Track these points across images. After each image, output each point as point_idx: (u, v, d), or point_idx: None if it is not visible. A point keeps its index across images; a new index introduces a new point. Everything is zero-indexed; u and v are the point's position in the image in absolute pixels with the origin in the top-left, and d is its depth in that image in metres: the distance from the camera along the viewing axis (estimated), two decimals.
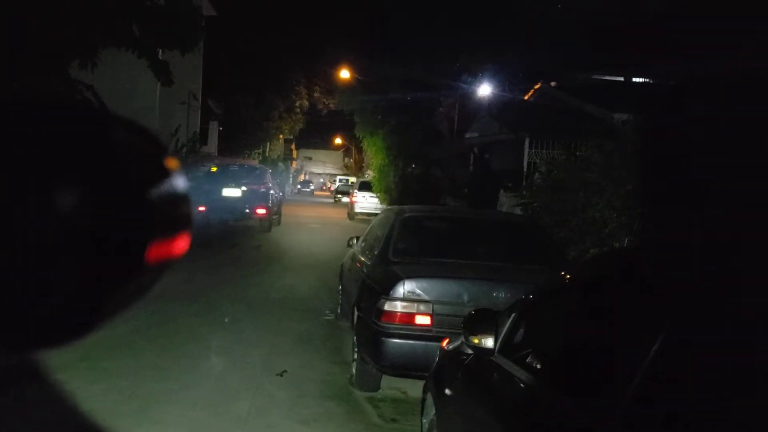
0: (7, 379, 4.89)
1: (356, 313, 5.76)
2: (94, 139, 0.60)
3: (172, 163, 0.65)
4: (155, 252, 0.63)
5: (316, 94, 34.19)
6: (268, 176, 19.11)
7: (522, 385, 2.74)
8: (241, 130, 29.83)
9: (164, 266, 0.67)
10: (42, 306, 0.59)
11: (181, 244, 0.68)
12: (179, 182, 0.65)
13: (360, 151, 54.62)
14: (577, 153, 8.47)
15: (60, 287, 0.59)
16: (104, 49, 11.39)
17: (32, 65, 9.32)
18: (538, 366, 2.75)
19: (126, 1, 11.24)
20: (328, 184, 62.86)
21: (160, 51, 12.29)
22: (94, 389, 4.92)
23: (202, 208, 17.12)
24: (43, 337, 0.62)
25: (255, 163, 23.30)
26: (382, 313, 4.99)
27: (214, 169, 18.11)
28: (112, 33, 11.14)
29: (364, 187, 26.94)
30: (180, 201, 0.66)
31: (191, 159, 17.90)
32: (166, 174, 0.64)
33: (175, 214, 0.66)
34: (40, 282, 0.57)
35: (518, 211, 9.70)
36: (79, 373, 5.27)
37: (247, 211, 17.38)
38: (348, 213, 26.67)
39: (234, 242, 15.18)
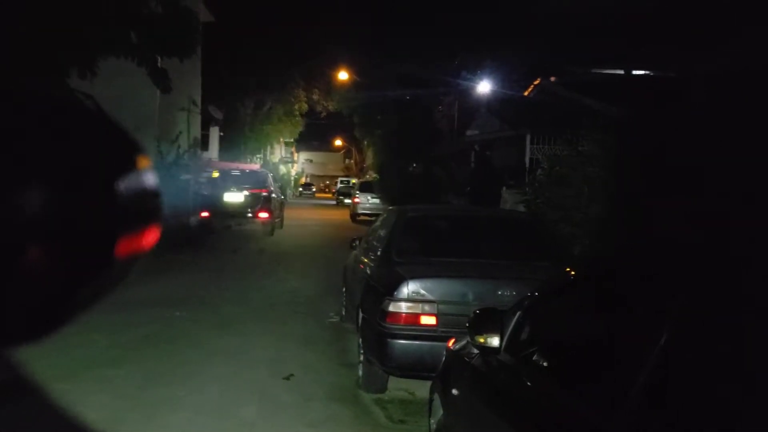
0: (5, 390, 4.87)
1: (361, 314, 5.74)
2: (62, 135, 0.60)
3: (142, 160, 0.66)
4: (123, 246, 0.63)
5: (314, 97, 34.16)
6: (270, 180, 19.11)
7: (529, 383, 2.73)
8: (241, 135, 29.84)
9: (133, 260, 0.66)
10: (10, 302, 0.59)
11: (150, 238, 0.68)
12: (148, 178, 0.66)
13: (360, 152, 54.68)
14: (579, 148, 8.45)
15: (26, 283, 0.59)
16: (103, 58, 11.41)
17: (29, 75, 9.32)
18: (545, 364, 2.73)
19: (123, 9, 11.24)
20: (331, 187, 62.89)
21: (159, 58, 12.29)
22: (99, 398, 4.91)
23: (205, 214, 17.14)
24: (14, 332, 0.61)
25: (256, 167, 23.29)
26: (386, 314, 4.97)
27: (216, 174, 18.11)
28: (110, 41, 11.15)
29: (366, 188, 26.90)
30: (147, 196, 0.66)
31: (193, 165, 17.89)
32: (133, 169, 0.64)
33: (142, 209, 0.66)
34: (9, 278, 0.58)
35: (521, 208, 9.68)
36: (83, 382, 5.26)
37: (250, 215, 17.38)
38: (350, 214, 26.64)
39: (237, 247, 15.17)
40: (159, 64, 12.27)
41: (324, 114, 36.88)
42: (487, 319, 2.99)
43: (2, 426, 4.21)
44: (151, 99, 16.97)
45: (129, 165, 0.64)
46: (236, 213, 17.50)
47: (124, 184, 0.62)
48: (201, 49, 15.94)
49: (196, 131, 20.74)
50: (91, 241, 0.60)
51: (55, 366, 5.65)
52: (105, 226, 0.61)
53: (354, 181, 41.72)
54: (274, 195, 18.52)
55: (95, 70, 11.14)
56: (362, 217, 24.44)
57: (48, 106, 0.63)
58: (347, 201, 32.52)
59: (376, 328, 5.07)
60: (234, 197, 17.35)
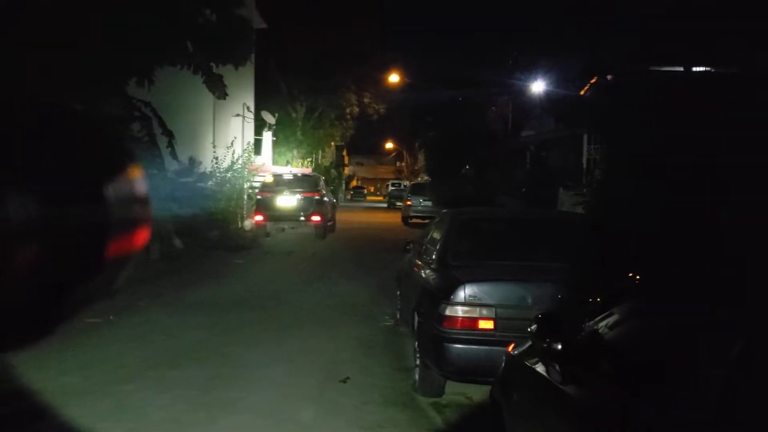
0: (72, 393, 5.04)
1: (416, 318, 5.70)
2: (49, 143, 0.63)
3: (133, 168, 0.69)
4: (114, 248, 0.65)
5: (366, 100, 34.30)
6: (322, 183, 19.28)
7: (593, 389, 2.64)
8: (294, 139, 30.20)
9: (124, 261, 0.68)
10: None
11: (139, 241, 0.71)
12: (137, 184, 0.68)
13: (411, 154, 54.66)
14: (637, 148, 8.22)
15: (19, 286, 0.61)
16: (159, 66, 11.72)
17: (90, 84, 9.65)
18: (612, 370, 2.64)
19: (180, 20, 11.52)
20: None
21: (214, 66, 12.55)
22: (162, 399, 5.01)
23: (259, 218, 17.42)
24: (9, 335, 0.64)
25: (308, 171, 23.53)
26: (443, 318, 4.92)
27: (269, 178, 18.38)
28: (166, 50, 11.45)
29: (418, 190, 26.83)
30: (136, 202, 0.68)
31: (247, 170, 18.22)
32: (121, 176, 0.66)
33: (130, 213, 0.68)
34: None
35: (579, 209, 9.46)
36: (147, 382, 5.38)
37: (302, 218, 17.57)
38: (402, 217, 26.63)
39: (290, 250, 15.35)
40: (214, 72, 12.53)
41: (375, 117, 36.99)
42: (550, 324, 2.92)
43: (73, 426, 4.35)
44: (207, 106, 17.36)
45: (117, 172, 0.67)
46: (289, 216, 17.71)
47: (111, 190, 0.64)
48: (254, 56, 16.20)
49: (250, 136, 21.10)
50: (80, 244, 0.62)
51: (119, 367, 5.81)
52: (93, 229, 0.63)
53: (405, 183, 41.75)
54: (326, 198, 18.66)
55: (152, 79, 11.46)
56: (414, 220, 24.39)
57: (37, 115, 0.66)
58: (399, 204, 32.54)
59: (433, 331, 5.03)
60: (287, 201, 17.58)
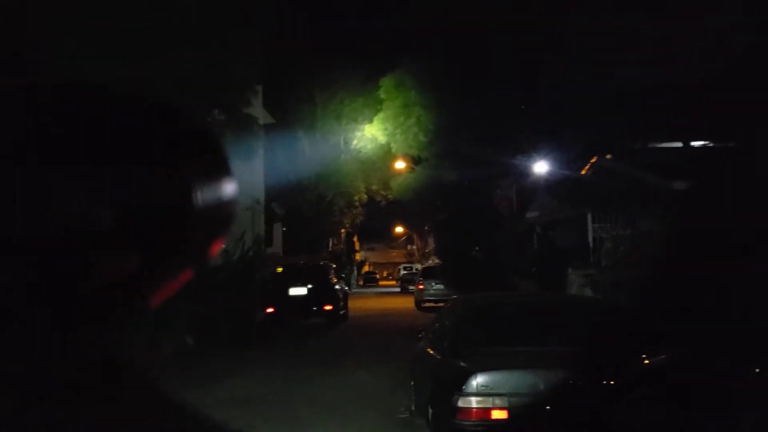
0: None
1: (431, 410, 5.64)
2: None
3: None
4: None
5: (373, 187, 34.91)
6: (332, 272, 19.37)
7: None
8: (303, 229, 30.55)
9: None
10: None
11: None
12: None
13: (422, 237, 54.93)
14: (640, 226, 8.31)
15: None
16: None
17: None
18: None
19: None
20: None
21: None
22: None
23: (270, 309, 17.41)
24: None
25: (319, 260, 23.71)
26: (457, 410, 4.88)
27: (280, 269, 18.50)
28: None
29: (429, 274, 26.78)
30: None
31: (258, 262, 18.37)
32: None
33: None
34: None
35: (588, 289, 9.47)
36: None
37: (315, 308, 17.55)
38: (415, 302, 26.45)
39: (303, 341, 15.25)
40: None
41: (384, 203, 37.49)
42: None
43: None
44: None
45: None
46: (301, 306, 17.70)
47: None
48: (262, 150, 16.69)
49: (260, 228, 21.40)
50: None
51: None
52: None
53: (417, 267, 41.70)
54: (337, 287, 18.70)
55: None
56: (428, 304, 24.19)
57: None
58: (411, 288, 32.41)
59: (448, 424, 4.97)
60: (298, 291, 17.62)
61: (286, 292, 17.59)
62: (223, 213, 0.80)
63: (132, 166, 0.71)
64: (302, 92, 29.39)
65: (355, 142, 32.17)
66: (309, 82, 29.22)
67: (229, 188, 0.81)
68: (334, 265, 22.36)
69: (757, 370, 2.20)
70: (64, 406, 0.69)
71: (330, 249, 37.19)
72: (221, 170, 0.81)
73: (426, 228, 45.74)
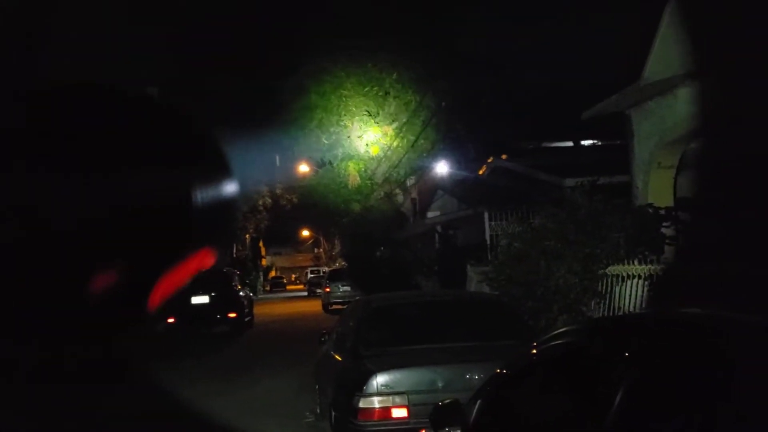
0: None
1: (333, 413, 5.67)
2: None
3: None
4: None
5: (278, 191, 34.52)
6: (236, 278, 19.01)
7: None
8: None
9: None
10: None
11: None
12: None
13: (328, 240, 54.84)
14: (532, 222, 8.69)
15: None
16: None
17: None
18: None
19: None
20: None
21: None
22: None
23: (171, 320, 16.83)
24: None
25: (222, 267, 23.20)
26: (358, 411, 4.93)
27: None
28: None
29: (336, 276, 26.82)
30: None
31: None
32: None
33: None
34: None
35: (485, 285, 9.79)
36: None
37: (218, 316, 17.15)
38: (323, 305, 26.41)
39: (207, 350, 14.87)
40: None
41: (289, 206, 37.14)
42: (449, 412, 3.02)
43: None
44: None
45: None
46: (204, 315, 17.23)
47: None
48: None
49: None
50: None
51: None
52: None
53: (325, 270, 41.60)
54: (242, 293, 18.37)
55: None
56: (335, 307, 24.18)
57: None
58: (319, 291, 32.32)
59: (350, 426, 5.01)
60: (200, 299, 17.16)
61: (188, 300, 17.07)
62: (223, 214, 0.82)
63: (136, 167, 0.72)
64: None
65: None
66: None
67: (229, 189, 0.83)
68: (238, 272, 21.94)
69: (627, 354, 2.36)
70: None
71: (234, 255, 36.43)
72: (221, 173, 0.83)
73: (332, 230, 45.70)
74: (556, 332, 3.06)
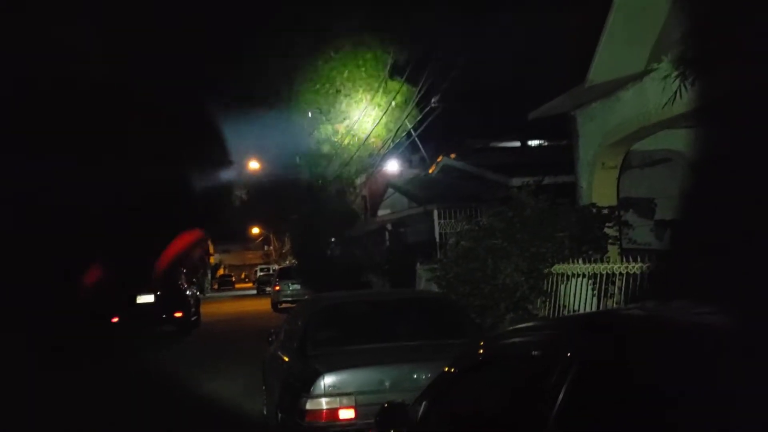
0: None
1: (280, 414, 5.59)
2: None
3: None
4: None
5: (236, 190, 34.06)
6: (182, 277, 18.65)
7: None
8: None
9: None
10: None
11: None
12: None
13: (279, 238, 54.34)
14: (480, 221, 8.79)
15: None
16: None
17: None
18: None
19: None
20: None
21: None
22: None
23: (115, 319, 16.40)
24: None
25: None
26: (305, 412, 4.87)
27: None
28: None
29: (286, 274, 26.60)
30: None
31: None
32: None
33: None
34: None
35: (433, 284, 9.85)
36: None
37: (164, 316, 16.79)
38: (272, 303, 26.15)
39: (150, 351, 14.54)
40: None
41: (238, 203, 36.64)
42: (392, 414, 3.01)
43: None
44: None
45: None
46: (149, 314, 16.84)
47: None
48: None
49: None
50: None
51: None
52: None
53: (274, 268, 41.22)
54: (188, 292, 18.03)
55: None
56: (285, 305, 23.99)
57: None
58: (268, 289, 32.00)
59: (296, 428, 4.95)
60: (145, 298, 16.76)
61: (133, 299, 16.65)
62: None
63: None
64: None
65: None
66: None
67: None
68: (185, 270, 21.51)
69: (535, 353, 2.38)
70: None
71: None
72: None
73: (282, 228, 45.31)
74: (502, 331, 3.07)
